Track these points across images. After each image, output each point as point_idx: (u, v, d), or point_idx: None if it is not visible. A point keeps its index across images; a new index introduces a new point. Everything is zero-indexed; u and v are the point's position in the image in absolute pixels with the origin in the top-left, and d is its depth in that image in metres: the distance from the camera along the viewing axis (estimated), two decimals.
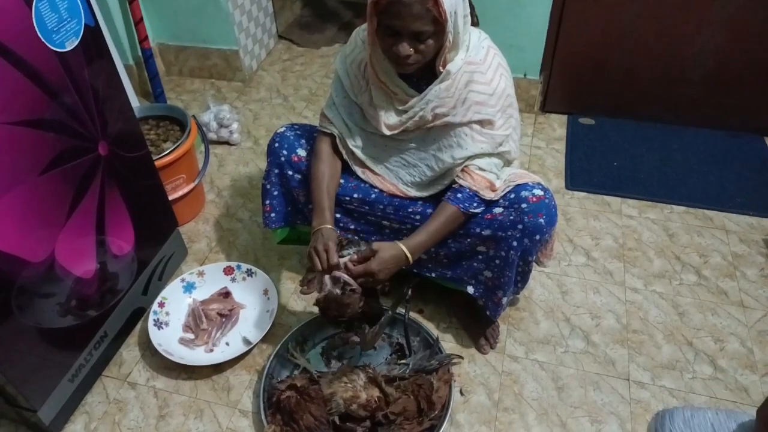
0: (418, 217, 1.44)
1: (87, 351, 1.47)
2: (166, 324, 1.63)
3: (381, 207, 1.48)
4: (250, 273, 1.74)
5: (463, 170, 1.35)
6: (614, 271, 1.82)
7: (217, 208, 2.08)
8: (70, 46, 1.23)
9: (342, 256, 1.30)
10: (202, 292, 1.72)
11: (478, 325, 1.61)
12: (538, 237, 1.34)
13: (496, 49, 1.34)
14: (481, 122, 1.32)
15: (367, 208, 1.49)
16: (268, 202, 1.59)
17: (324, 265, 1.28)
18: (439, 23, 1.16)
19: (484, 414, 1.47)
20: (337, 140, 1.45)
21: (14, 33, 1.09)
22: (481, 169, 1.34)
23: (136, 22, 2.40)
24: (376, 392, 1.35)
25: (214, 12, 2.51)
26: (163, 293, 1.67)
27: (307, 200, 1.55)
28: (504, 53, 1.35)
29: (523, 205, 1.34)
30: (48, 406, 1.37)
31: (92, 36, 1.30)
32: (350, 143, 1.45)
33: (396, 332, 1.59)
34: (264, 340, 1.59)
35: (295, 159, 1.52)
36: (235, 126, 2.34)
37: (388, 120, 1.37)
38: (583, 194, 2.10)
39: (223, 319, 1.66)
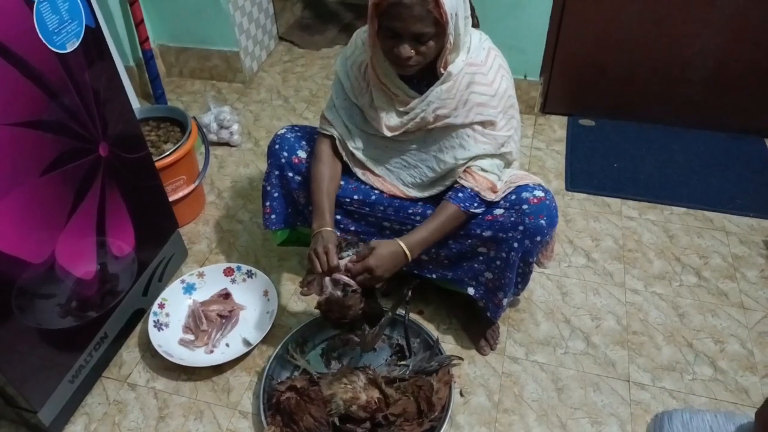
0: (418, 218, 1.44)
1: (87, 352, 1.47)
2: (166, 325, 1.63)
3: (381, 208, 1.48)
4: (250, 274, 1.74)
5: (465, 171, 1.35)
6: (614, 272, 1.82)
7: (217, 210, 2.09)
8: (70, 48, 1.23)
9: (341, 258, 1.30)
10: (202, 294, 1.72)
11: (478, 327, 1.61)
12: (538, 238, 1.35)
13: (496, 50, 1.34)
14: (482, 123, 1.32)
15: (367, 209, 1.49)
16: (268, 203, 1.59)
17: (324, 267, 1.28)
18: (440, 25, 1.16)
19: (484, 415, 1.47)
20: (337, 142, 1.45)
21: (15, 34, 1.09)
22: (483, 170, 1.34)
23: (137, 24, 2.40)
24: (376, 393, 1.35)
25: (215, 13, 2.51)
26: (164, 294, 1.68)
27: (307, 202, 1.55)
28: (504, 55, 1.35)
29: (524, 207, 1.34)
30: (48, 407, 1.37)
31: (93, 37, 1.30)
32: (350, 145, 1.45)
33: (396, 333, 1.59)
34: (264, 341, 1.59)
35: (296, 161, 1.52)
36: (235, 127, 2.35)
37: (389, 121, 1.37)
38: (583, 195, 2.10)
39: (223, 321, 1.66)
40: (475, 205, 1.35)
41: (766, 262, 1.83)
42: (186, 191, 1.90)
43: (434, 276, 1.54)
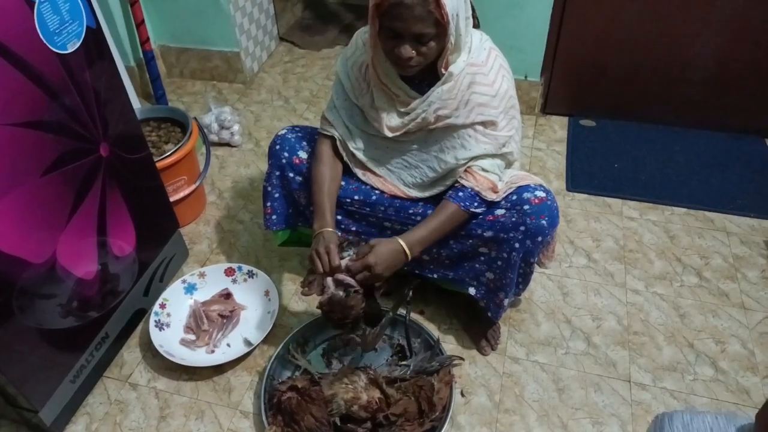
0: (419, 218, 1.44)
1: (88, 352, 1.47)
2: (167, 325, 1.63)
3: (382, 208, 1.48)
4: (251, 274, 1.74)
5: (466, 171, 1.35)
6: (615, 272, 1.82)
7: (218, 210, 2.09)
8: (71, 48, 1.23)
9: (342, 258, 1.30)
10: (203, 294, 1.73)
11: (479, 327, 1.61)
12: (540, 239, 1.35)
13: (497, 50, 1.34)
14: (484, 123, 1.32)
15: (368, 209, 1.49)
16: (269, 204, 1.59)
17: (326, 268, 1.28)
18: (441, 25, 1.16)
19: (484, 415, 1.47)
20: (338, 143, 1.45)
21: (16, 34, 1.09)
22: (484, 170, 1.34)
23: (138, 24, 2.40)
24: (377, 393, 1.35)
25: (216, 14, 2.51)
26: (165, 294, 1.68)
27: (308, 203, 1.55)
28: (505, 55, 1.35)
29: (526, 207, 1.34)
30: (49, 407, 1.37)
31: (94, 38, 1.30)
32: (351, 146, 1.45)
33: (397, 333, 1.59)
34: (265, 341, 1.59)
35: (296, 161, 1.52)
36: (236, 128, 2.35)
37: (390, 122, 1.37)
38: (584, 196, 2.10)
39: (224, 321, 1.66)
40: (476, 204, 1.35)
41: (767, 263, 1.83)
42: (187, 191, 1.90)
43: (435, 276, 1.54)
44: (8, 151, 1.12)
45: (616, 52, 2.26)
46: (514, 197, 1.37)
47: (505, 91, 1.31)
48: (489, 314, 1.49)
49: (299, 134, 1.56)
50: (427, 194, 1.44)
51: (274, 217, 1.60)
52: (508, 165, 1.42)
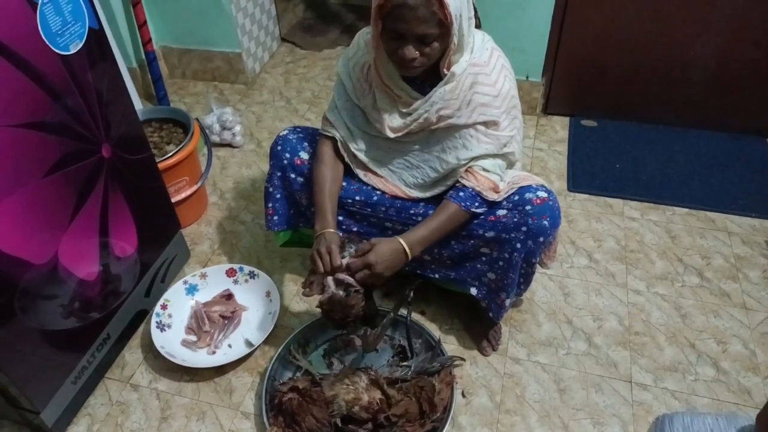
0: (420, 218, 1.44)
1: (90, 353, 1.47)
2: (169, 326, 1.63)
3: (383, 209, 1.48)
4: (252, 275, 1.74)
5: (467, 171, 1.35)
6: (616, 273, 1.82)
7: (219, 211, 2.09)
8: (74, 49, 1.24)
9: (343, 257, 1.31)
10: (205, 294, 1.73)
11: (480, 327, 1.61)
12: (541, 239, 1.35)
13: (499, 50, 1.34)
14: (486, 123, 1.32)
15: (369, 210, 1.49)
16: (270, 205, 1.59)
17: (327, 268, 1.28)
18: (444, 26, 1.16)
19: (486, 416, 1.47)
20: (339, 144, 1.45)
21: (18, 35, 1.10)
22: (485, 170, 1.34)
23: (140, 25, 2.40)
24: (378, 394, 1.35)
25: (217, 15, 2.52)
26: (166, 295, 1.68)
27: (309, 203, 1.55)
28: (506, 55, 1.36)
29: (527, 207, 1.34)
30: (51, 407, 1.37)
31: (96, 39, 1.30)
32: (352, 146, 1.46)
33: (398, 334, 1.59)
34: (266, 342, 1.59)
35: (298, 162, 1.52)
36: (237, 128, 2.35)
37: (392, 123, 1.37)
38: (585, 196, 2.10)
39: (226, 321, 1.66)
40: (476, 204, 1.35)
41: None
42: (188, 192, 1.90)
43: (437, 276, 1.54)
44: (10, 152, 1.13)
45: (616, 52, 2.26)
46: (516, 197, 1.37)
47: (507, 92, 1.31)
48: (490, 314, 1.49)
49: (301, 135, 1.56)
50: (428, 194, 1.44)
51: (275, 217, 1.60)
52: (510, 165, 1.42)
